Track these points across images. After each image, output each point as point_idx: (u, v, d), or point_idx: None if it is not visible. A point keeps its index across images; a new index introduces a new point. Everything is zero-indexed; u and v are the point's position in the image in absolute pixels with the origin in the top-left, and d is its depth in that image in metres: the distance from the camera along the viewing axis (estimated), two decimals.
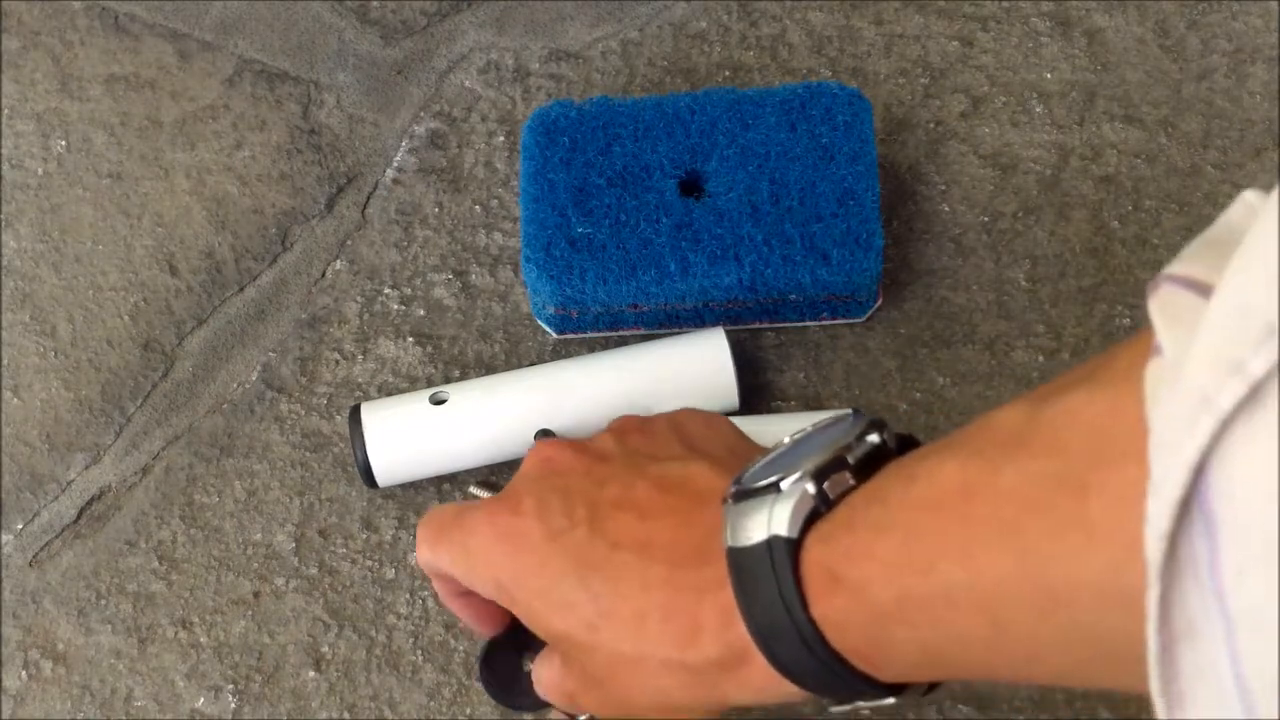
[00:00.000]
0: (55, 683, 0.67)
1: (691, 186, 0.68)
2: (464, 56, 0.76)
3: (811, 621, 0.46)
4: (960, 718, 0.64)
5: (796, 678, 0.48)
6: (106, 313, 0.73)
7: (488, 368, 0.71)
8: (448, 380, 0.70)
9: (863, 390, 0.69)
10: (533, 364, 0.70)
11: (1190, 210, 0.72)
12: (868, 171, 0.67)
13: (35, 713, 0.66)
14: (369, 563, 0.68)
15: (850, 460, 0.48)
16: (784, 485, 0.47)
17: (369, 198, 0.74)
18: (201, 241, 0.73)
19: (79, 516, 0.69)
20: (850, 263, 0.65)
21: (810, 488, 0.47)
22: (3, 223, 0.74)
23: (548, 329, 0.70)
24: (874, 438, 0.48)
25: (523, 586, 0.53)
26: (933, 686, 0.50)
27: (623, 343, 0.70)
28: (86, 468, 0.70)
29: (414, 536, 0.68)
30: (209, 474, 0.70)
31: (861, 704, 0.49)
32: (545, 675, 0.57)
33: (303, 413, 0.70)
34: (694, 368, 0.67)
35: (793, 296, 0.67)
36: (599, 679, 0.53)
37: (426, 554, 0.56)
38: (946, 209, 0.72)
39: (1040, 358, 0.69)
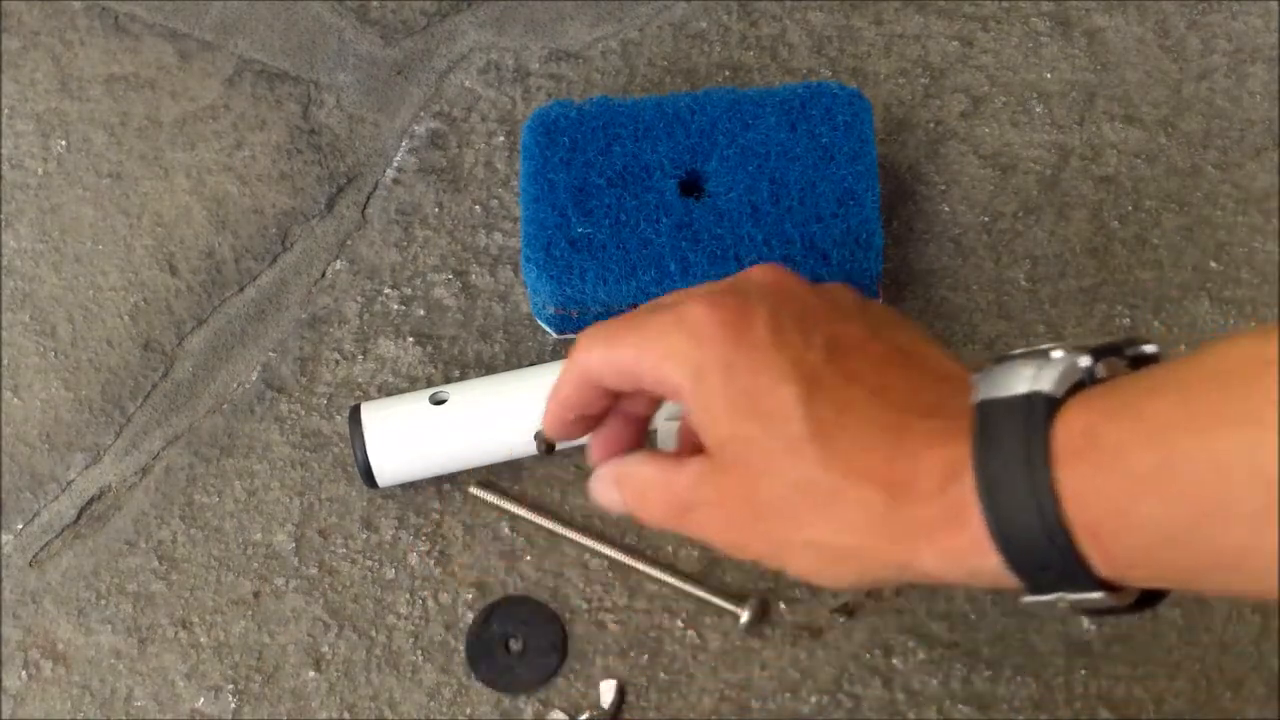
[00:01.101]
0: (55, 683, 0.67)
1: (691, 186, 0.68)
2: (464, 56, 0.76)
3: (1052, 484, 0.44)
4: (960, 717, 0.64)
5: (1011, 549, 0.45)
6: (106, 313, 0.73)
7: (488, 368, 0.71)
8: (448, 380, 0.70)
9: None
10: (533, 364, 0.70)
11: (1190, 210, 0.72)
12: (868, 171, 0.67)
13: (35, 713, 0.66)
14: (369, 563, 0.68)
15: (1126, 352, 0.47)
16: (1054, 354, 0.46)
17: (369, 198, 0.74)
18: (201, 241, 0.73)
19: (79, 516, 0.69)
20: (850, 263, 0.65)
21: (1084, 360, 0.45)
22: (3, 223, 0.74)
23: (548, 329, 0.70)
24: (1149, 348, 0.47)
25: (728, 378, 0.50)
26: (1141, 603, 0.47)
27: None
28: (86, 468, 0.70)
29: (413, 537, 0.68)
30: (209, 474, 0.70)
31: (1065, 595, 0.46)
32: (667, 478, 0.54)
33: (303, 413, 0.70)
34: None
35: None
36: (765, 509, 0.50)
37: (601, 349, 0.53)
38: (946, 209, 0.72)
39: None
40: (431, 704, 0.66)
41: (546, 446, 0.66)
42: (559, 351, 0.71)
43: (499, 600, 0.67)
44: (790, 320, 0.51)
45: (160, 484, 0.70)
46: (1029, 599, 0.47)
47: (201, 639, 0.67)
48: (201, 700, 0.66)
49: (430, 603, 0.67)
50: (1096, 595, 0.46)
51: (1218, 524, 0.41)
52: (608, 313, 0.68)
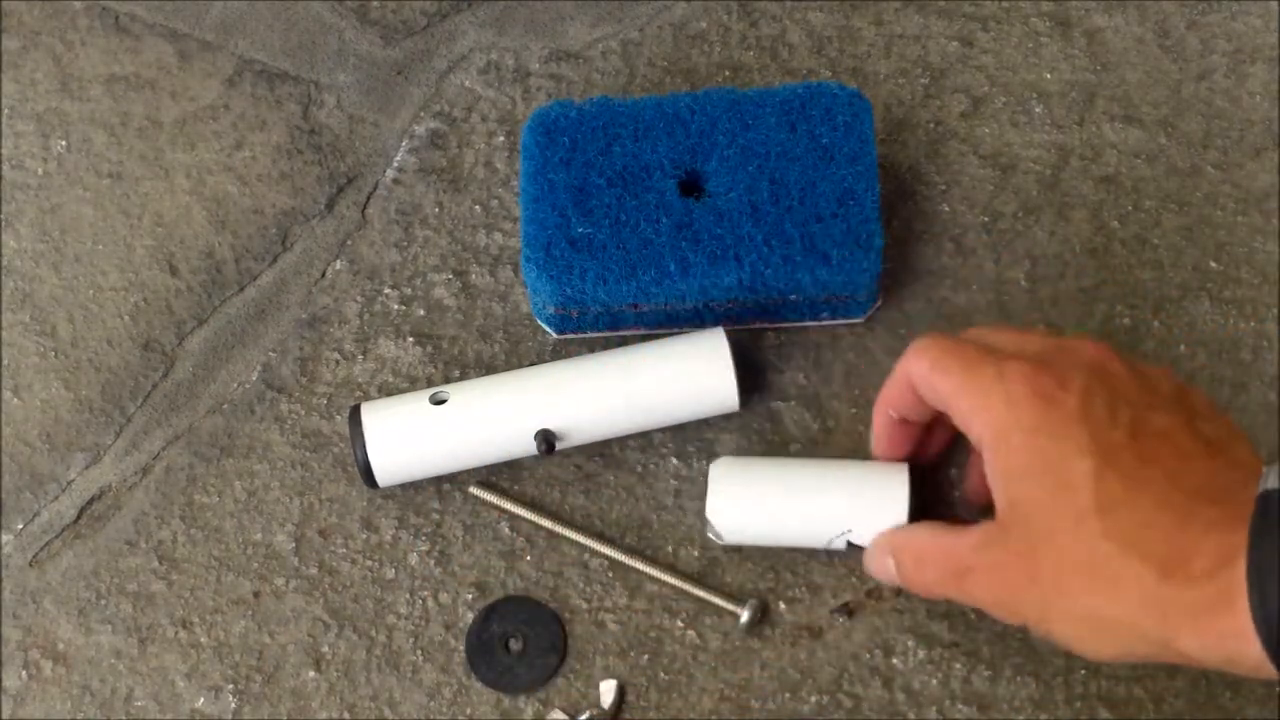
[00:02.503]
0: (55, 683, 0.67)
1: (691, 186, 0.68)
2: (464, 56, 0.76)
3: None
4: (960, 717, 0.64)
5: (1273, 638, 0.47)
6: (106, 313, 0.73)
7: (488, 368, 0.71)
8: (448, 380, 0.70)
9: (862, 390, 0.69)
10: (533, 364, 0.70)
11: (1190, 210, 0.72)
12: (868, 171, 0.67)
13: (35, 713, 0.66)
14: (369, 563, 0.68)
15: None
16: None
17: (369, 198, 0.74)
18: (201, 241, 0.73)
19: (79, 516, 0.69)
20: (850, 263, 0.65)
21: None
22: (3, 223, 0.74)
23: (548, 329, 0.70)
24: None
25: (1030, 443, 0.54)
26: None
27: (623, 343, 0.70)
28: (86, 468, 0.70)
29: (413, 536, 0.68)
30: (209, 474, 0.70)
31: None
32: (948, 543, 0.58)
33: (303, 413, 0.70)
34: (694, 368, 0.67)
35: (793, 296, 0.67)
36: (1042, 574, 0.53)
37: (926, 368, 0.58)
38: (946, 209, 0.72)
39: None
40: (431, 704, 0.66)
41: (546, 446, 0.66)
42: (559, 352, 0.71)
43: (499, 600, 0.67)
44: (1103, 397, 0.54)
45: (160, 484, 0.70)
46: None
47: (201, 639, 0.67)
48: (201, 700, 0.66)
49: (430, 603, 0.67)
50: None
51: None
52: (608, 313, 0.68)
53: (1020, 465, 0.54)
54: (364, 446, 0.66)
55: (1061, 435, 0.53)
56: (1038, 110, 0.74)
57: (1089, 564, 0.52)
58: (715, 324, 0.68)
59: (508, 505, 0.68)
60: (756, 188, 0.67)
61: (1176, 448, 0.53)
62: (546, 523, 0.67)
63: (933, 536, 0.59)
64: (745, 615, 0.65)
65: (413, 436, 0.66)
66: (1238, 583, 0.48)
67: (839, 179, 0.67)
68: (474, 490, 0.68)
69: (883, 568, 0.62)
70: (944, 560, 0.58)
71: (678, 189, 0.67)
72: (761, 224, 0.66)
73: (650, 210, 0.66)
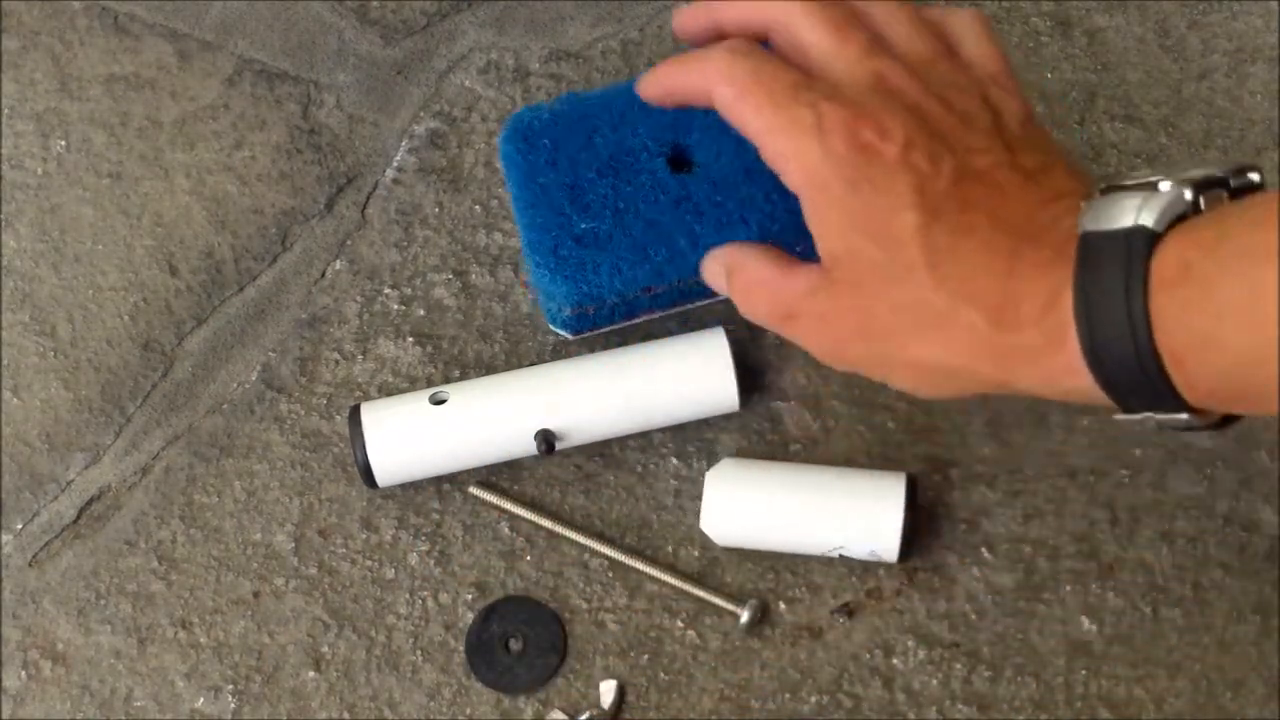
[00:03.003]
0: (55, 683, 0.67)
1: (680, 161, 0.68)
2: (464, 56, 0.76)
3: (1146, 309, 0.47)
4: (960, 718, 0.64)
5: (1104, 372, 0.49)
6: (106, 313, 0.72)
7: (488, 368, 0.70)
8: (448, 380, 0.70)
9: (862, 390, 0.69)
10: (533, 364, 0.70)
11: None
12: None
13: (35, 713, 0.66)
14: (369, 563, 0.68)
15: (1230, 184, 0.49)
16: (1162, 186, 0.48)
17: (369, 198, 0.74)
18: (201, 241, 0.73)
19: (78, 516, 0.69)
20: None
21: (1188, 194, 0.48)
22: (2, 223, 0.74)
23: (563, 333, 0.70)
24: (1254, 176, 0.50)
25: (850, 194, 0.53)
26: (1224, 422, 0.50)
27: (624, 341, 0.69)
28: (86, 468, 0.70)
29: (413, 537, 0.68)
30: (209, 474, 0.70)
31: (1153, 415, 0.50)
32: (778, 283, 0.58)
33: (302, 413, 0.70)
34: (694, 368, 0.67)
35: (799, 248, 0.67)
36: (873, 328, 0.54)
37: (730, 96, 0.56)
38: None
39: None
40: (431, 704, 0.66)
41: (546, 446, 0.66)
42: (559, 352, 0.71)
43: (499, 600, 0.67)
44: (923, 146, 0.53)
45: (160, 484, 0.70)
46: (1120, 416, 0.51)
47: (201, 639, 0.67)
48: (201, 700, 0.66)
49: (430, 603, 0.67)
50: (1182, 417, 0.49)
51: None
52: (624, 302, 0.68)
53: (843, 220, 0.54)
54: (364, 446, 0.66)
55: (884, 189, 0.52)
56: (1038, 110, 0.74)
57: (921, 317, 0.52)
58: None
59: (507, 505, 0.68)
60: (744, 148, 0.66)
61: (998, 187, 0.53)
62: (546, 523, 0.67)
63: (763, 269, 0.59)
64: (745, 615, 0.65)
65: (412, 436, 0.66)
66: (1066, 322, 0.49)
67: None
68: (474, 490, 0.68)
69: (716, 281, 0.62)
70: (771, 299, 0.58)
71: (667, 166, 0.67)
72: (759, 182, 0.66)
73: (647, 192, 0.66)
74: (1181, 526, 0.67)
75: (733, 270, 0.61)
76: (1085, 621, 0.66)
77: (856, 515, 0.64)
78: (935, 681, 0.65)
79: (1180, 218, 0.48)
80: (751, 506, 0.65)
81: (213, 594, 0.68)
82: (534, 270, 0.66)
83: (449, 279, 0.72)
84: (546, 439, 0.66)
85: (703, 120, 0.68)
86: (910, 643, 0.66)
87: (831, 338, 0.56)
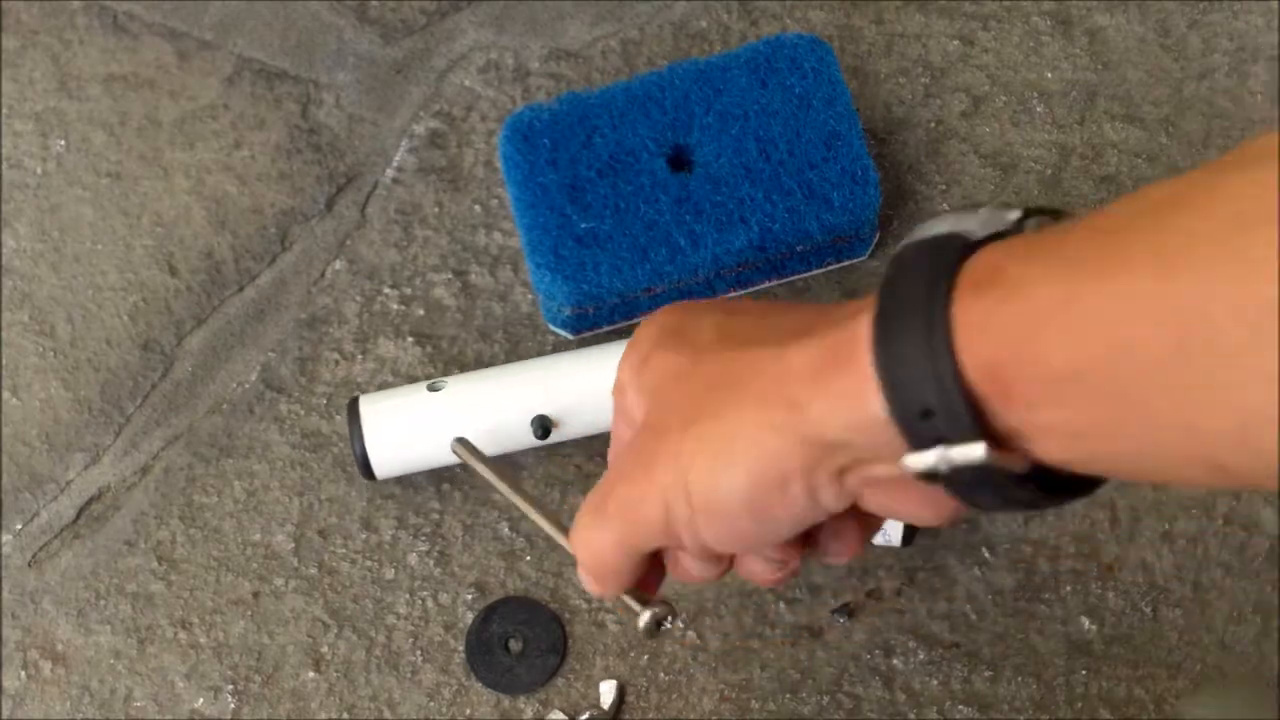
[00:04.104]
0: (54, 683, 0.67)
1: (680, 162, 0.68)
2: (464, 56, 0.76)
3: (947, 314, 0.40)
4: (960, 718, 0.64)
5: (894, 383, 0.41)
6: (106, 313, 0.72)
7: (487, 368, 0.70)
8: None
9: None
10: None
11: None
12: (846, 111, 0.68)
13: (35, 713, 0.66)
14: (368, 563, 0.68)
15: (1060, 218, 0.43)
16: (982, 209, 0.43)
17: (369, 197, 0.74)
18: (201, 241, 0.73)
19: (78, 517, 0.69)
20: (852, 201, 0.67)
21: (1012, 214, 0.43)
22: (2, 222, 0.74)
23: (564, 333, 0.70)
24: (1082, 213, 0.43)
25: (639, 373, 0.50)
26: (1019, 485, 0.42)
27: (624, 337, 0.69)
28: (85, 468, 0.70)
29: (413, 537, 0.68)
30: (208, 474, 0.70)
31: (945, 451, 0.41)
32: (616, 448, 0.53)
33: (302, 413, 0.70)
34: None
35: (800, 247, 0.68)
36: (660, 431, 0.48)
37: (596, 534, 0.51)
38: (947, 209, 0.72)
39: None
40: (431, 704, 0.66)
41: (543, 432, 0.66)
42: (559, 349, 0.71)
43: (499, 601, 0.67)
44: (685, 320, 0.50)
45: (159, 484, 0.70)
46: (908, 459, 0.42)
47: (201, 639, 0.67)
48: (201, 701, 0.66)
49: (430, 603, 0.67)
50: (978, 447, 0.40)
51: (1121, 365, 0.38)
52: (623, 302, 0.68)
53: (635, 388, 0.50)
54: (361, 437, 0.66)
55: (660, 361, 0.49)
56: (1039, 109, 0.74)
57: (700, 416, 0.46)
58: (726, 291, 0.69)
59: (479, 467, 0.63)
60: (744, 149, 0.67)
61: (763, 315, 0.49)
62: (503, 487, 0.62)
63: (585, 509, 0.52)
64: (644, 618, 0.55)
65: (410, 425, 0.66)
66: (862, 335, 0.42)
67: (821, 124, 0.67)
68: (455, 445, 0.64)
69: (588, 585, 0.54)
70: (592, 505, 0.51)
71: (667, 166, 0.67)
72: (758, 182, 0.66)
73: (647, 192, 0.67)
74: (1181, 526, 0.67)
75: (582, 568, 0.53)
76: (1085, 621, 0.66)
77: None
78: (935, 681, 0.65)
79: (999, 236, 0.43)
80: None
81: (212, 594, 0.68)
82: (534, 270, 0.66)
83: (449, 279, 0.72)
84: (543, 424, 0.66)
85: (703, 120, 0.68)
86: (910, 643, 0.66)
87: (633, 475, 0.49)
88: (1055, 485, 0.43)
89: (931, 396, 0.41)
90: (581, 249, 0.66)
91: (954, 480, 0.42)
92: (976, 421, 0.41)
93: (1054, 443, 0.41)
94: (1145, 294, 0.37)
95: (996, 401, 0.40)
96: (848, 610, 0.66)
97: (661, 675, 0.66)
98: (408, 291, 0.72)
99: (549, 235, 0.66)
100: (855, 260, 0.71)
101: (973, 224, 0.43)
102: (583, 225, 0.66)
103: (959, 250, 0.42)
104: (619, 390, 0.52)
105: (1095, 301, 0.38)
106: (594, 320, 0.69)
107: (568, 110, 0.68)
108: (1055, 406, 0.40)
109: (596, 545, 0.51)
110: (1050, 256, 0.40)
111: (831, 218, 0.67)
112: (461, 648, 0.66)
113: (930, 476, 0.42)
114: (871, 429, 0.42)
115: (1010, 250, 0.41)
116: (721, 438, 0.46)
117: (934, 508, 0.47)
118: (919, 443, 0.42)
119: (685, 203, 0.67)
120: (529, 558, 0.68)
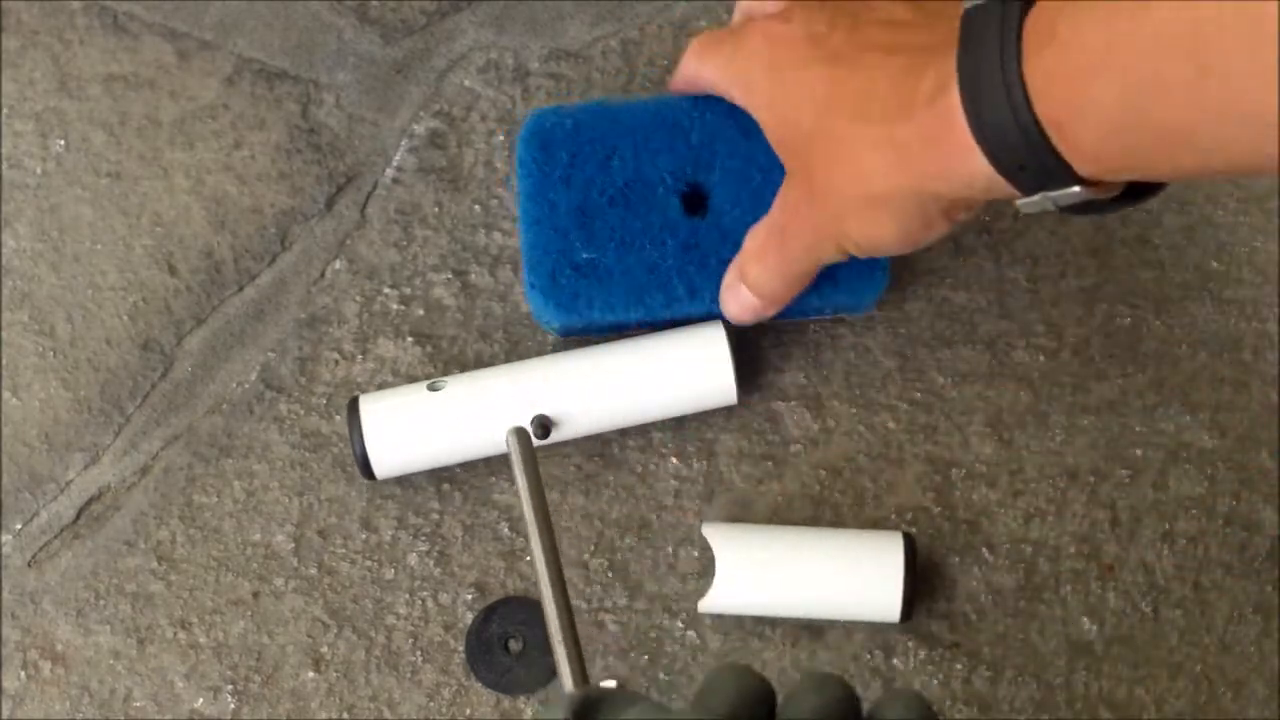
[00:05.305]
0: (54, 683, 0.67)
1: (694, 199, 0.67)
2: (463, 56, 0.76)
3: (1021, 75, 0.47)
4: (961, 718, 0.64)
5: (991, 145, 0.49)
6: (105, 312, 0.72)
7: (487, 368, 0.70)
8: None
9: (862, 390, 0.69)
10: None
11: (1191, 210, 0.72)
12: None
13: (34, 713, 0.66)
14: (368, 563, 0.68)
15: None
16: None
17: (368, 197, 0.74)
18: (201, 241, 0.73)
19: (78, 517, 0.69)
20: (857, 282, 0.65)
21: None
22: (2, 222, 0.74)
23: (555, 333, 0.70)
24: None
25: (774, 78, 0.58)
26: (1117, 201, 0.51)
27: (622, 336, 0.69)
28: (85, 468, 0.70)
29: (413, 537, 0.68)
30: (208, 474, 0.70)
31: (1049, 194, 0.50)
32: (761, 226, 0.62)
33: (302, 413, 0.70)
34: (693, 365, 0.66)
35: (798, 314, 0.67)
36: (815, 189, 0.57)
37: (693, 63, 0.64)
38: None
39: (1041, 357, 0.69)
40: (431, 704, 0.66)
41: (543, 432, 0.66)
42: (558, 349, 0.70)
43: (499, 601, 0.67)
44: (820, 14, 0.58)
45: (159, 484, 0.70)
46: (1021, 202, 0.51)
47: (200, 639, 0.67)
48: (200, 701, 0.66)
49: (430, 603, 0.67)
50: (1075, 189, 0.49)
51: (1160, 97, 0.43)
52: (614, 328, 0.67)
53: (768, 100, 0.59)
54: (361, 437, 0.66)
55: (792, 60, 0.58)
56: None
57: (839, 155, 0.55)
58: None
59: (518, 469, 0.59)
60: (761, 203, 0.65)
61: (892, 24, 0.56)
62: (527, 502, 0.57)
63: (755, 230, 0.63)
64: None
65: (409, 424, 0.66)
66: (955, 103, 0.50)
67: None
68: (509, 436, 0.60)
69: (742, 305, 0.64)
70: (768, 239, 0.61)
71: (680, 205, 0.66)
72: None
73: (655, 232, 0.65)
74: (1181, 526, 0.67)
75: (744, 270, 0.63)
76: (1085, 622, 0.66)
77: (860, 567, 0.64)
78: (935, 682, 0.65)
79: None
80: (753, 600, 0.65)
81: (212, 594, 0.68)
82: (529, 290, 0.66)
83: (448, 279, 0.72)
84: (543, 424, 0.66)
85: (725, 162, 0.66)
86: (910, 643, 0.66)
87: (801, 221, 0.59)
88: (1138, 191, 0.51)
89: (1026, 155, 0.48)
90: (578, 279, 0.65)
91: (1062, 208, 0.50)
92: (1066, 171, 0.48)
93: (1116, 170, 0.48)
94: (1169, 27, 0.42)
95: (1069, 151, 0.48)
96: None
97: (661, 675, 0.66)
98: (408, 291, 0.72)
99: (549, 257, 0.65)
100: (854, 315, 0.70)
101: None
102: (584, 255, 0.65)
103: (1020, 12, 0.48)
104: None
105: (1130, 45, 0.44)
106: (582, 332, 0.69)
107: (591, 121, 0.67)
108: (1113, 151, 0.47)
109: (778, 278, 0.62)
110: (1092, 10, 0.45)
111: (834, 295, 0.65)
112: (461, 648, 0.66)
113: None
114: (980, 183, 0.51)
115: (1059, 11, 0.47)
116: (870, 205, 0.55)
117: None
118: (1026, 190, 0.50)
119: (692, 250, 0.65)
120: (529, 558, 0.68)
